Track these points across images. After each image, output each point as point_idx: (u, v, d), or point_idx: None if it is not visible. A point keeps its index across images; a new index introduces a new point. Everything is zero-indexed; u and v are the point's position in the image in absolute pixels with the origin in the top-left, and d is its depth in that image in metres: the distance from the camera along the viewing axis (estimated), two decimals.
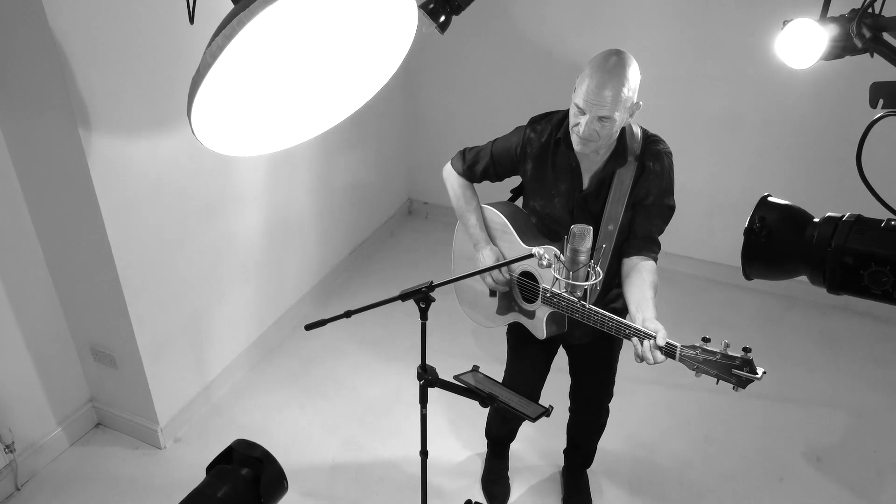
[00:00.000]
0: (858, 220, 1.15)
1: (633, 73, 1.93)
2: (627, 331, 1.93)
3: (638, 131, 2.10)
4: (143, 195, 2.67)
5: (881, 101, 1.26)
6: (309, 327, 2.15)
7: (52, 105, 2.34)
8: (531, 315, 2.22)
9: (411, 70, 4.25)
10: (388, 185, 4.45)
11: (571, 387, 2.58)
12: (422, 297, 1.96)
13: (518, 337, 2.44)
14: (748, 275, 1.25)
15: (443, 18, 2.08)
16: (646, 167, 2.06)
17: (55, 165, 2.49)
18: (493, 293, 2.33)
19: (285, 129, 1.92)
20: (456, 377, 2.02)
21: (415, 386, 3.23)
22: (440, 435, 3.11)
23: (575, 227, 1.68)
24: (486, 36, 3.98)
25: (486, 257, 2.24)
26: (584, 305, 1.92)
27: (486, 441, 2.88)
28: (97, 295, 2.76)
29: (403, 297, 1.99)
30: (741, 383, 1.78)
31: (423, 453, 2.27)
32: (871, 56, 2.39)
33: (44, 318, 2.83)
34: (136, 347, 2.83)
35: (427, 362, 2.06)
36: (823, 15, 2.30)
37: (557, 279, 1.74)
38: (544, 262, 1.77)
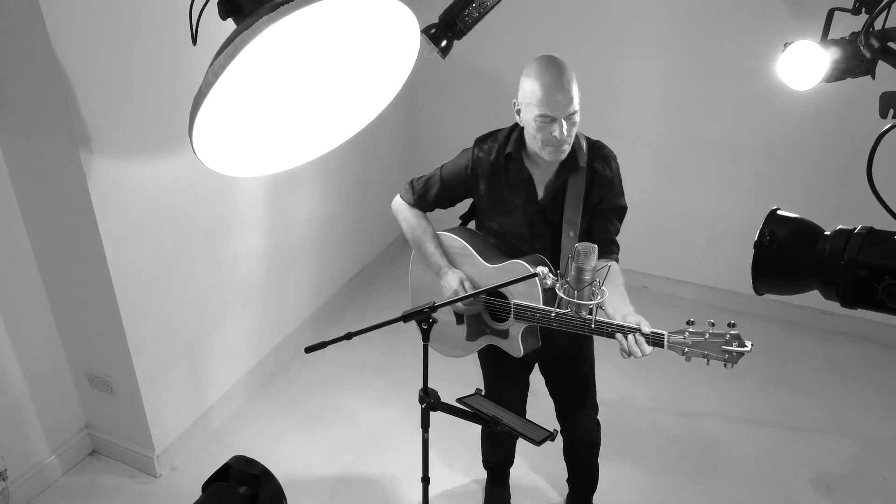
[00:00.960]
0: (871, 232, 1.12)
1: (570, 68, 1.99)
2: (610, 329, 1.92)
3: (582, 139, 2.13)
4: (143, 218, 2.65)
5: (891, 112, 1.24)
6: (309, 350, 2.11)
7: (54, 126, 2.34)
8: (504, 334, 2.19)
9: (413, 95, 4.27)
10: (388, 212, 4.42)
11: (556, 408, 2.54)
12: (424, 317, 1.93)
13: (491, 359, 2.42)
14: (758, 289, 1.22)
15: (444, 43, 2.09)
16: (596, 172, 2.10)
17: (55, 187, 2.48)
18: (460, 320, 2.30)
19: (287, 149, 1.91)
20: (459, 400, 1.98)
21: (416, 413, 3.18)
22: (443, 461, 3.05)
23: (580, 246, 1.66)
24: (488, 64, 4.00)
25: (451, 282, 2.20)
26: (588, 320, 1.90)
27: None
28: (95, 319, 2.72)
29: (405, 318, 1.96)
30: (732, 359, 1.80)
31: (426, 479, 2.22)
32: (873, 78, 2.40)
33: (40, 342, 2.79)
34: (134, 373, 2.79)
35: (429, 386, 2.02)
36: (824, 38, 2.32)
37: (562, 299, 1.71)
38: (548, 283, 1.75)
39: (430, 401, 2.01)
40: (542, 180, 2.14)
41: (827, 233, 1.19)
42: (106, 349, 2.78)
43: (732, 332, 1.80)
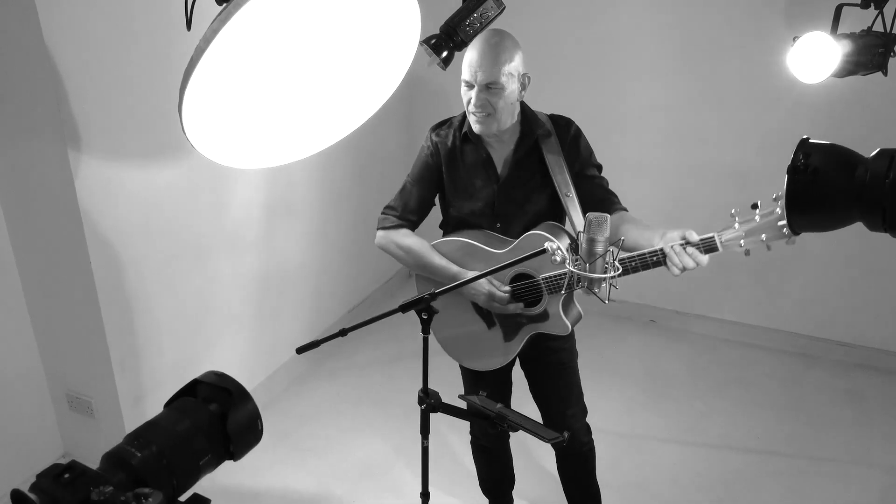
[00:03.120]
0: None
1: (514, 43, 1.95)
2: (655, 257, 1.80)
3: (543, 116, 2.11)
4: (133, 227, 2.55)
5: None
6: (301, 350, 1.99)
7: (42, 123, 2.27)
8: (543, 316, 2.07)
9: (413, 124, 4.23)
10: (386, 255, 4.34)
11: (542, 414, 2.36)
12: (424, 307, 1.81)
13: (470, 379, 2.33)
14: (795, 226, 1.11)
15: (445, 54, 2.05)
16: (564, 135, 2.08)
17: (41, 188, 2.39)
18: (491, 324, 2.18)
19: (280, 142, 1.82)
20: (461, 397, 1.83)
21: (415, 444, 3.00)
22: (445, 475, 2.85)
23: (591, 215, 1.55)
24: None
25: (478, 284, 2.07)
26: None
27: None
28: (77, 332, 2.58)
29: (404, 308, 1.84)
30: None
31: (425, 495, 2.04)
32: (885, 74, 2.34)
33: (18, 355, 2.64)
34: (116, 393, 2.63)
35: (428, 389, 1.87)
36: (833, 32, 2.27)
37: (573, 274, 1.58)
38: (557, 258, 1.63)
39: (430, 401, 1.86)
40: (500, 159, 2.10)
41: (866, 157, 1.09)
42: (87, 366, 2.63)
43: (779, 202, 1.59)
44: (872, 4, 2.22)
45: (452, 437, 3.10)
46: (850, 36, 2.23)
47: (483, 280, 2.04)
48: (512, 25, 2.02)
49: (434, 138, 2.17)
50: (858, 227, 3.57)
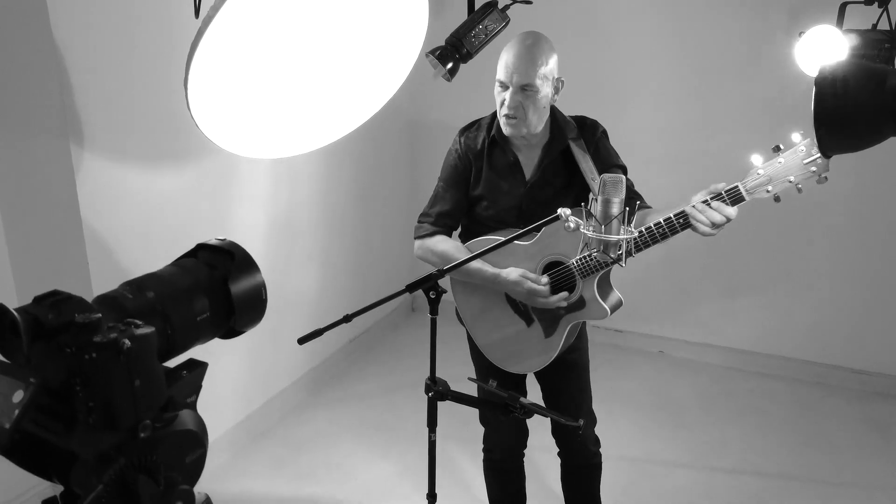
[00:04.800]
0: None
1: (550, 46, 1.96)
2: (681, 219, 1.76)
3: (569, 119, 2.11)
4: (132, 231, 2.50)
5: None
6: (303, 340, 1.92)
7: (45, 119, 2.24)
8: (580, 303, 1.99)
9: (416, 157, 4.24)
10: (391, 277, 4.26)
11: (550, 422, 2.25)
12: (431, 285, 1.74)
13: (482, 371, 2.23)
14: (825, 146, 1.06)
15: (451, 65, 2.05)
16: (591, 136, 2.08)
17: (41, 184, 2.35)
18: (529, 322, 2.10)
19: (284, 133, 1.81)
20: (472, 379, 1.74)
21: (419, 469, 2.88)
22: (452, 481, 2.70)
23: (606, 176, 1.51)
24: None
25: (510, 275, 2.00)
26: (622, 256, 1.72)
27: None
28: None
29: (411, 287, 1.77)
30: (822, 168, 1.53)
31: (432, 496, 1.92)
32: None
33: None
34: None
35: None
36: (839, 26, 2.28)
37: (589, 239, 1.52)
38: (571, 225, 1.57)
39: (437, 388, 1.77)
40: (528, 163, 2.07)
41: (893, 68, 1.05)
42: None
43: (801, 139, 1.55)
44: (877, 2, 2.24)
45: (464, 462, 2.97)
46: (857, 31, 2.23)
47: (519, 276, 1.97)
48: (514, 29, 2.02)
49: (465, 141, 2.13)
50: (870, 244, 3.49)
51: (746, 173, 1.67)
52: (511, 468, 2.38)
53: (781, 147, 1.56)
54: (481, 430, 2.32)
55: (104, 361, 0.58)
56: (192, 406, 0.71)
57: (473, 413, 2.14)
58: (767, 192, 1.62)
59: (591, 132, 2.08)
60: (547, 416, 1.70)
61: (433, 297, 1.75)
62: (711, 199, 1.71)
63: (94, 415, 0.59)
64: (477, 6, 2.03)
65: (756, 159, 1.64)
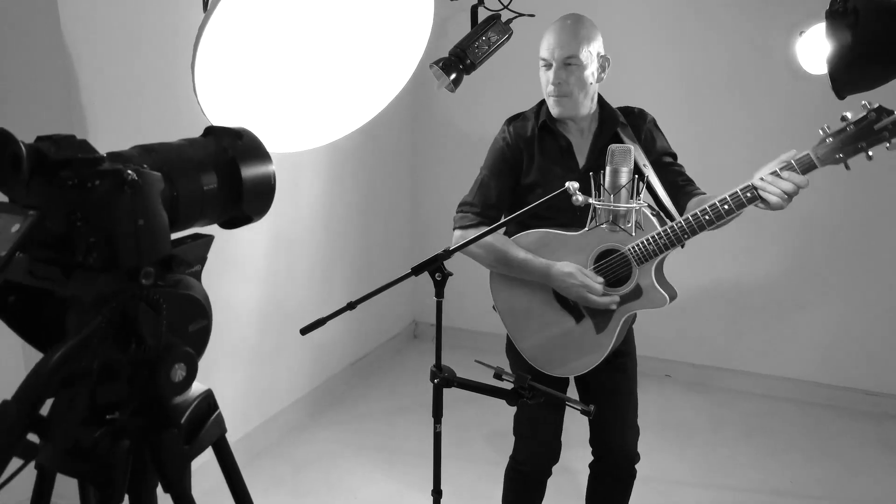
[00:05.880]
0: None
1: (592, 25, 1.96)
2: (749, 193, 1.75)
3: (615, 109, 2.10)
4: None
5: None
6: (305, 330, 1.88)
7: (52, 115, 2.25)
8: (636, 293, 1.92)
9: (418, 177, 4.25)
10: (392, 302, 4.23)
11: (590, 423, 2.16)
12: (436, 267, 1.71)
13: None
14: (838, 87, 1.05)
15: (455, 76, 2.08)
16: (640, 123, 2.07)
17: None
18: (579, 318, 2.02)
19: (289, 127, 1.81)
20: (478, 361, 1.69)
21: (420, 488, 2.79)
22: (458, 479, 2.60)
23: (614, 146, 1.50)
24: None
25: (564, 267, 1.94)
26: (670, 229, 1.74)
27: None
28: None
29: (416, 270, 1.73)
30: (894, 131, 1.51)
31: (437, 492, 1.85)
32: None
33: (3, 372, 2.49)
34: None
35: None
36: None
37: (599, 208, 1.50)
38: (579, 198, 1.55)
39: (443, 375, 1.72)
40: (581, 148, 2.04)
41: None
42: None
43: (870, 105, 1.53)
44: None
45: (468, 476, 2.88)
46: None
47: (576, 271, 1.92)
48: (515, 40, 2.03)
49: (512, 130, 2.10)
50: (882, 264, 3.46)
51: (816, 141, 1.67)
52: (536, 483, 2.26)
53: (849, 116, 1.57)
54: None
55: (107, 191, 0.55)
56: (197, 276, 0.68)
57: (482, 406, 2.07)
58: (838, 158, 1.63)
59: (640, 119, 2.08)
60: (557, 402, 1.64)
61: (439, 278, 1.71)
62: (781, 169, 1.70)
63: (95, 252, 0.56)
64: (480, 19, 2.07)
65: (826, 128, 1.64)
